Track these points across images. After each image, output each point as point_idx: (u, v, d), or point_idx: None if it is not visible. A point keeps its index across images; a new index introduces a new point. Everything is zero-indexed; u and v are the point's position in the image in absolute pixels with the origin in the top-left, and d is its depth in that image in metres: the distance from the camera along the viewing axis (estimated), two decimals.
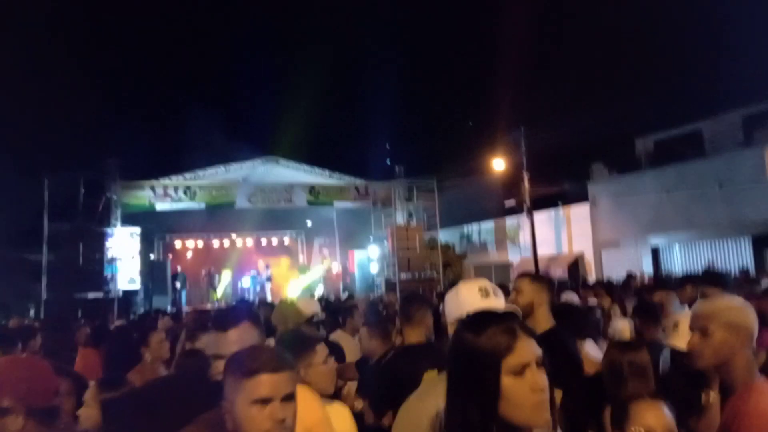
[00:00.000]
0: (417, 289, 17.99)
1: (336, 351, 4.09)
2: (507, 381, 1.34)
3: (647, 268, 18.25)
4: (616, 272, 16.75)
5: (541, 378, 1.37)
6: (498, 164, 23.15)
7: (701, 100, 19.97)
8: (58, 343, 3.83)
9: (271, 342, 2.84)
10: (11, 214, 21.41)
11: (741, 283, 7.13)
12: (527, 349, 1.37)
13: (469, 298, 1.99)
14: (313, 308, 4.42)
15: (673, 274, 14.43)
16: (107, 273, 17.21)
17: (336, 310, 7.08)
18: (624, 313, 6.41)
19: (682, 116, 20.32)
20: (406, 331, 3.09)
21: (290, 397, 1.58)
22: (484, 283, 2.05)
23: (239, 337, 1.88)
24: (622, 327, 4.93)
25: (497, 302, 1.97)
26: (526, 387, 1.34)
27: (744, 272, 12.17)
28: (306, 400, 1.97)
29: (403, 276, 20.49)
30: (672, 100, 20.35)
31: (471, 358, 1.37)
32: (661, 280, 7.01)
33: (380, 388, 3.06)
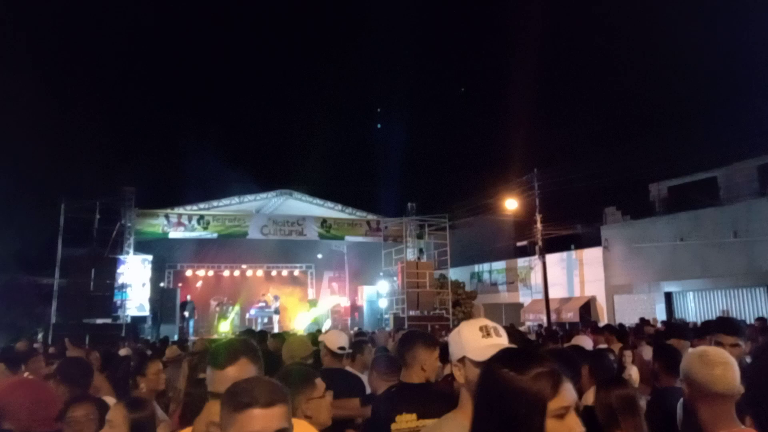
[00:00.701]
0: (426, 327, 17.82)
1: (356, 382, 4.08)
2: (549, 424, 1.33)
3: (660, 315, 17.96)
4: (628, 317, 16.52)
5: (578, 422, 1.37)
6: (511, 205, 23.16)
7: (717, 147, 20.00)
8: (75, 368, 3.81)
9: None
10: (27, 238, 21.67)
11: (757, 332, 6.99)
12: (569, 393, 1.37)
13: (470, 337, 1.97)
14: (341, 341, 4.37)
15: (686, 322, 14.17)
16: (117, 299, 17.25)
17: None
18: (633, 360, 6.29)
19: (697, 163, 20.33)
20: (403, 370, 3.05)
21: None
22: (485, 322, 2.02)
23: (237, 375, 1.82)
24: (634, 374, 4.81)
25: (500, 341, 1.94)
26: (564, 429, 1.34)
27: (760, 320, 11.93)
28: None
29: (412, 313, 20.32)
30: (688, 147, 20.40)
31: (515, 399, 1.35)
32: (674, 328, 6.87)
33: (367, 426, 3.14)
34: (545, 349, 4.70)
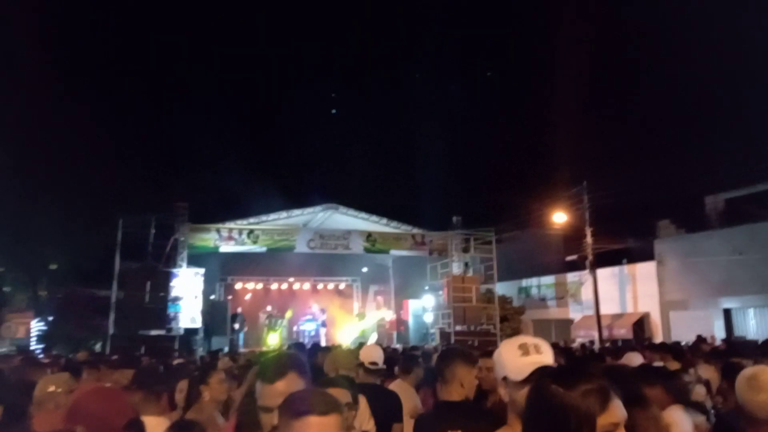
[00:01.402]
0: (472, 342, 17.61)
1: (390, 399, 4.05)
2: None
3: (719, 332, 17.22)
4: (684, 335, 15.90)
5: None
6: (559, 218, 22.74)
7: None
8: (152, 377, 3.99)
9: None
10: (85, 253, 22.69)
11: None
12: (618, 410, 1.40)
13: (509, 356, 1.97)
14: (374, 356, 4.38)
15: (747, 339, 13.55)
16: (171, 311, 17.77)
17: (390, 359, 7.04)
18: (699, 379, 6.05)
19: (755, 174, 19.49)
20: (440, 387, 3.04)
21: None
22: (525, 339, 2.02)
23: (285, 389, 1.87)
24: (702, 392, 4.60)
25: (540, 359, 1.93)
26: None
27: None
28: None
29: (458, 328, 20.13)
30: (745, 157, 19.61)
31: (564, 415, 1.37)
32: (736, 346, 6.61)
33: None
34: (603, 365, 4.57)
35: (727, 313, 18.45)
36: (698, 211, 21.82)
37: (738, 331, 17.83)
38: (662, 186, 19.05)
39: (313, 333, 22.92)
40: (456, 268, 21.73)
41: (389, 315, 25.31)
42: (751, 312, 18.11)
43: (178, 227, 18.39)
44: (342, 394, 2.63)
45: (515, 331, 21.83)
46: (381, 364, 4.35)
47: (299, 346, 8.50)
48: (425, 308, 23.75)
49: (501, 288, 23.56)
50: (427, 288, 23.57)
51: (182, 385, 4.53)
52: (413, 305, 24.77)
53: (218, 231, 19.06)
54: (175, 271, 18.11)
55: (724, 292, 18.03)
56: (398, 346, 18.58)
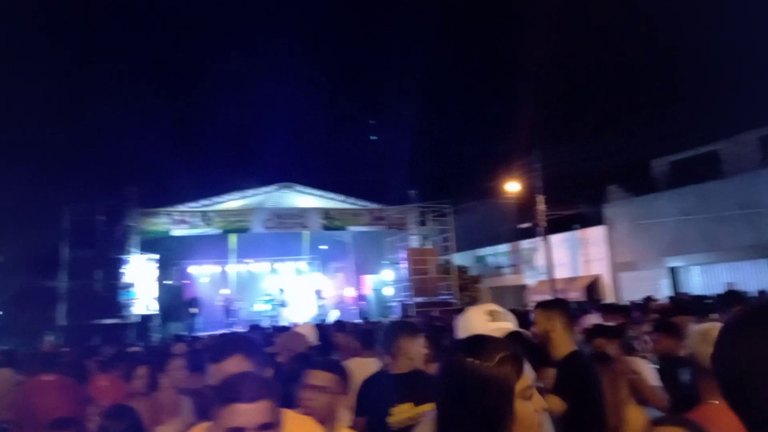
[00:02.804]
0: (432, 313, 17.87)
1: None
2: (518, 406, 1.36)
3: (665, 291, 17.97)
4: (633, 294, 16.52)
5: (541, 400, 1.41)
6: (512, 187, 23.13)
7: (718, 120, 19.84)
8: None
9: None
10: (32, 242, 21.81)
11: None
12: (530, 373, 1.40)
13: (477, 322, 2.01)
14: (307, 335, 4.40)
15: (689, 296, 14.18)
16: (124, 299, 17.37)
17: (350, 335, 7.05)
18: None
19: (698, 137, 20.19)
20: (390, 362, 3.04)
21: (267, 427, 1.57)
22: (493, 307, 2.06)
23: (232, 370, 1.86)
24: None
25: (506, 325, 1.97)
26: (531, 408, 1.37)
27: (762, 293, 11.96)
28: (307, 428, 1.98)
29: (418, 299, 20.39)
30: (688, 121, 20.25)
31: (484, 387, 1.35)
32: (680, 304, 6.93)
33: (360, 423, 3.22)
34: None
35: (673, 272, 19.24)
36: (645, 174, 22.51)
37: (683, 288, 18.61)
38: (610, 152, 19.47)
39: (273, 314, 22.80)
40: (414, 241, 21.92)
41: (350, 291, 25.39)
42: (696, 270, 18.93)
43: (127, 212, 17.87)
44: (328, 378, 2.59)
45: (473, 300, 22.25)
46: (314, 342, 4.41)
47: (256, 327, 8.46)
48: (385, 282, 23.91)
49: (458, 258, 23.91)
50: (386, 262, 23.71)
51: (140, 372, 4.45)
52: (373, 280, 24.90)
53: (170, 215, 18.62)
54: (126, 257, 17.65)
55: (671, 251, 18.75)
56: (360, 321, 18.69)
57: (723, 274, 17.87)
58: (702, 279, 18.62)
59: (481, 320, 2.00)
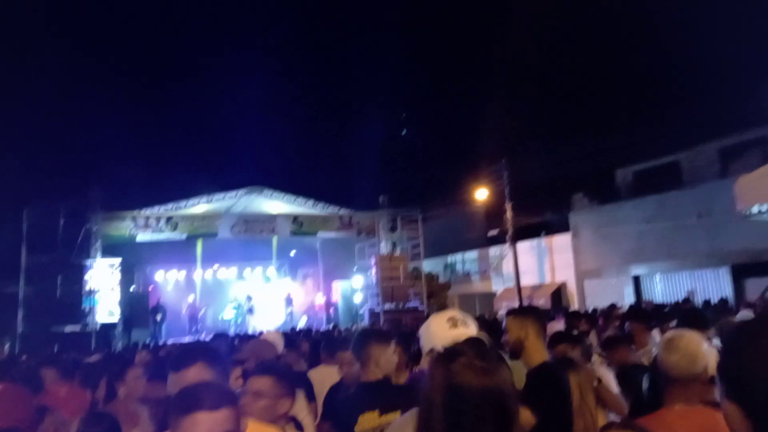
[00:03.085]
0: (400, 320, 17.90)
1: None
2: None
3: (629, 298, 18.35)
4: (598, 301, 16.84)
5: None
6: (481, 194, 23.37)
7: (679, 131, 20.42)
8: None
9: None
10: None
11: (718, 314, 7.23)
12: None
13: (438, 329, 2.02)
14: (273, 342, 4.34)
15: (652, 304, 14.50)
16: (86, 306, 16.91)
17: (316, 342, 7.02)
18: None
19: (660, 148, 20.74)
20: (360, 370, 3.04)
21: None
22: (454, 313, 2.07)
23: (193, 378, 1.84)
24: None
25: (467, 332, 1.97)
26: None
27: (723, 301, 12.31)
28: None
29: (387, 306, 20.38)
30: (651, 133, 20.79)
31: (465, 393, 1.38)
32: (634, 312, 7.13)
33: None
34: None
35: (637, 280, 19.66)
36: (609, 183, 23.00)
37: (646, 296, 19.04)
38: (576, 161, 19.88)
39: (240, 321, 22.50)
40: (384, 248, 21.92)
41: (319, 298, 25.23)
42: (657, 277, 19.38)
43: (90, 216, 17.44)
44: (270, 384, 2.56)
45: (442, 307, 22.34)
46: (281, 350, 4.36)
47: (222, 336, 8.32)
48: (354, 289, 23.85)
49: (428, 265, 24.01)
50: (355, 269, 23.64)
51: (101, 382, 4.35)
52: (342, 287, 24.79)
53: (134, 219, 18.24)
54: (88, 262, 17.21)
55: (634, 259, 19.15)
56: (328, 328, 18.59)
57: (684, 282, 18.35)
58: (663, 287, 19.07)
59: (443, 327, 2.01)
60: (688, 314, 4.87)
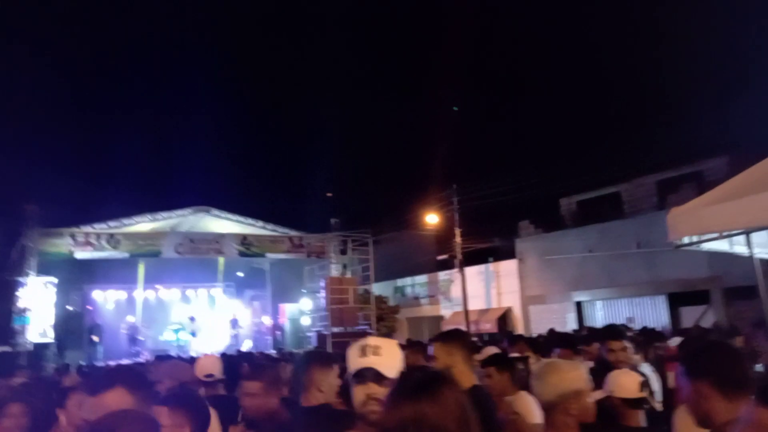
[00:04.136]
0: (348, 344, 17.72)
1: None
2: None
3: (571, 324, 18.79)
4: (542, 326, 17.18)
5: None
6: (431, 219, 23.63)
7: (620, 164, 21.31)
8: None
9: None
10: None
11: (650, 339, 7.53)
12: None
13: (350, 356, 2.04)
14: (208, 368, 4.08)
15: (592, 328, 14.87)
16: (17, 325, 16.08)
17: (260, 366, 6.86)
18: None
19: (602, 179, 21.58)
20: (302, 394, 2.94)
21: None
22: (369, 341, 2.07)
23: (112, 404, 1.76)
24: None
25: (374, 361, 1.97)
26: None
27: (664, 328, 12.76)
28: None
29: (335, 329, 20.17)
30: (593, 164, 21.63)
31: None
32: (560, 338, 7.33)
33: None
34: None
35: (579, 306, 20.19)
36: (554, 212, 23.68)
37: (588, 322, 19.55)
38: (523, 189, 20.43)
39: (182, 343, 21.81)
40: (334, 270, 21.76)
41: (266, 320, 24.78)
42: (598, 304, 19.96)
43: (26, 232, 16.68)
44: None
45: (390, 330, 22.32)
46: (218, 375, 4.09)
47: (162, 357, 8.05)
48: (303, 311, 23.54)
49: (378, 288, 23.98)
50: (305, 291, 23.37)
51: (15, 409, 4.05)
52: (290, 309, 24.44)
53: (73, 236, 17.54)
54: (22, 280, 16.41)
55: (577, 286, 19.70)
56: (273, 352, 18.21)
57: (624, 309, 18.95)
58: (605, 313, 19.64)
59: (353, 355, 2.02)
60: (609, 327, 5.11)
